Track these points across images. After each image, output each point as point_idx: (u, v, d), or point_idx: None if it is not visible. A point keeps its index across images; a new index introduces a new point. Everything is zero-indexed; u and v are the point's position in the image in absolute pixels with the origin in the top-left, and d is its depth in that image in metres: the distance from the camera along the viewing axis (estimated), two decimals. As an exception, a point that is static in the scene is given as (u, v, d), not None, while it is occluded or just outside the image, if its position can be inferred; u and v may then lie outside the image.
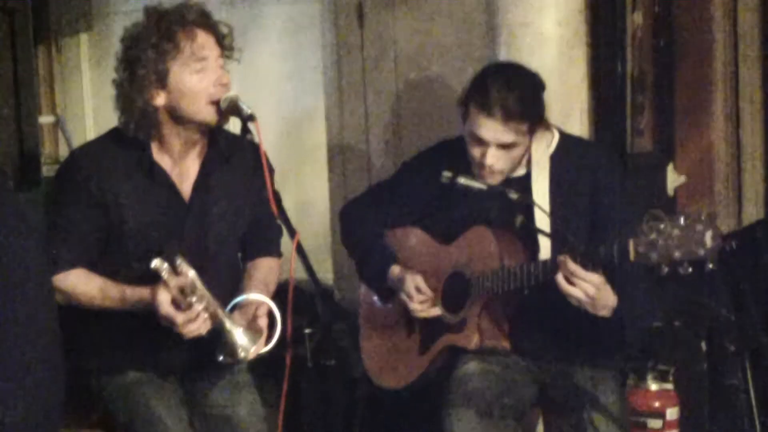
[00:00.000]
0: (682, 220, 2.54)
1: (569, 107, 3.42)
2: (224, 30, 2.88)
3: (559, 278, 2.76)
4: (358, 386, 3.69)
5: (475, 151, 3.00)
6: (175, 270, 2.70)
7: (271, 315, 2.87)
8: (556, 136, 3.10)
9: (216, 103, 2.79)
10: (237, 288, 2.96)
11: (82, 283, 2.83)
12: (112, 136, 2.92)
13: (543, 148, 3.06)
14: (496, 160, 2.97)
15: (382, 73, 4.45)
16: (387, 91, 4.45)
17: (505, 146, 2.96)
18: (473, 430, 2.94)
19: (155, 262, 2.69)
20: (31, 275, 2.17)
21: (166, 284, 2.68)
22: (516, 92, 2.93)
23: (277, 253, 3.12)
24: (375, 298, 3.37)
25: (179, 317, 2.70)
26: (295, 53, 4.68)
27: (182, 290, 2.70)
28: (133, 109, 2.81)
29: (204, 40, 2.82)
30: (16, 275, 2.10)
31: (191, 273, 2.71)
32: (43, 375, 2.11)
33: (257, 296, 2.88)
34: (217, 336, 2.76)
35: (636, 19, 4.12)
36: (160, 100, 2.81)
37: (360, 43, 4.49)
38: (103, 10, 5.26)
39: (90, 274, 2.84)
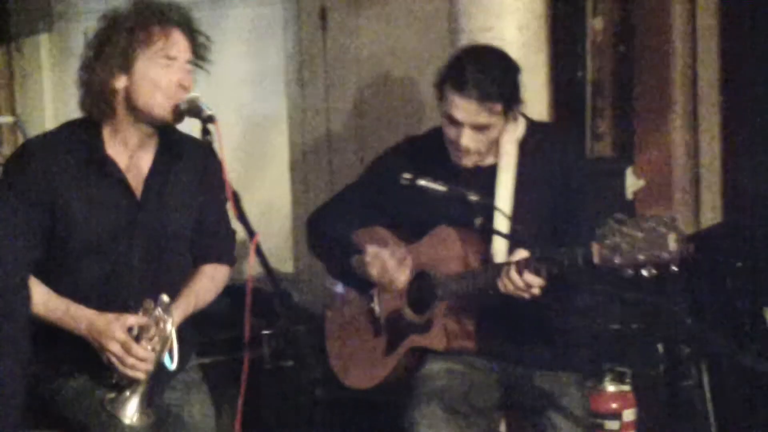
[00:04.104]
0: (645, 223, 2.55)
1: (529, 111, 3.42)
2: (202, 39, 2.89)
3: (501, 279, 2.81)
4: (317, 387, 3.68)
5: (451, 132, 2.99)
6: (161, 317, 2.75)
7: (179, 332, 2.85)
8: (523, 123, 3.11)
9: (172, 103, 2.79)
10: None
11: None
12: (65, 129, 2.90)
13: (510, 135, 3.07)
14: (471, 142, 2.97)
15: (345, 76, 4.46)
16: (349, 94, 4.46)
17: (479, 127, 2.96)
18: (438, 427, 2.94)
19: (163, 298, 2.73)
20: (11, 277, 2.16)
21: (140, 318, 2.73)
22: (491, 73, 2.94)
23: (228, 260, 3.08)
24: (340, 293, 3.37)
25: (131, 355, 2.71)
26: (257, 56, 4.67)
27: (152, 337, 2.73)
28: (93, 86, 2.81)
29: (178, 40, 2.83)
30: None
31: (170, 329, 2.75)
32: (7, 374, 2.10)
33: (161, 314, 2.82)
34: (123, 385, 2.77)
35: (596, 24, 4.15)
36: (121, 83, 2.81)
37: (323, 46, 4.50)
38: (64, 12, 5.23)
39: (34, 281, 2.74)
